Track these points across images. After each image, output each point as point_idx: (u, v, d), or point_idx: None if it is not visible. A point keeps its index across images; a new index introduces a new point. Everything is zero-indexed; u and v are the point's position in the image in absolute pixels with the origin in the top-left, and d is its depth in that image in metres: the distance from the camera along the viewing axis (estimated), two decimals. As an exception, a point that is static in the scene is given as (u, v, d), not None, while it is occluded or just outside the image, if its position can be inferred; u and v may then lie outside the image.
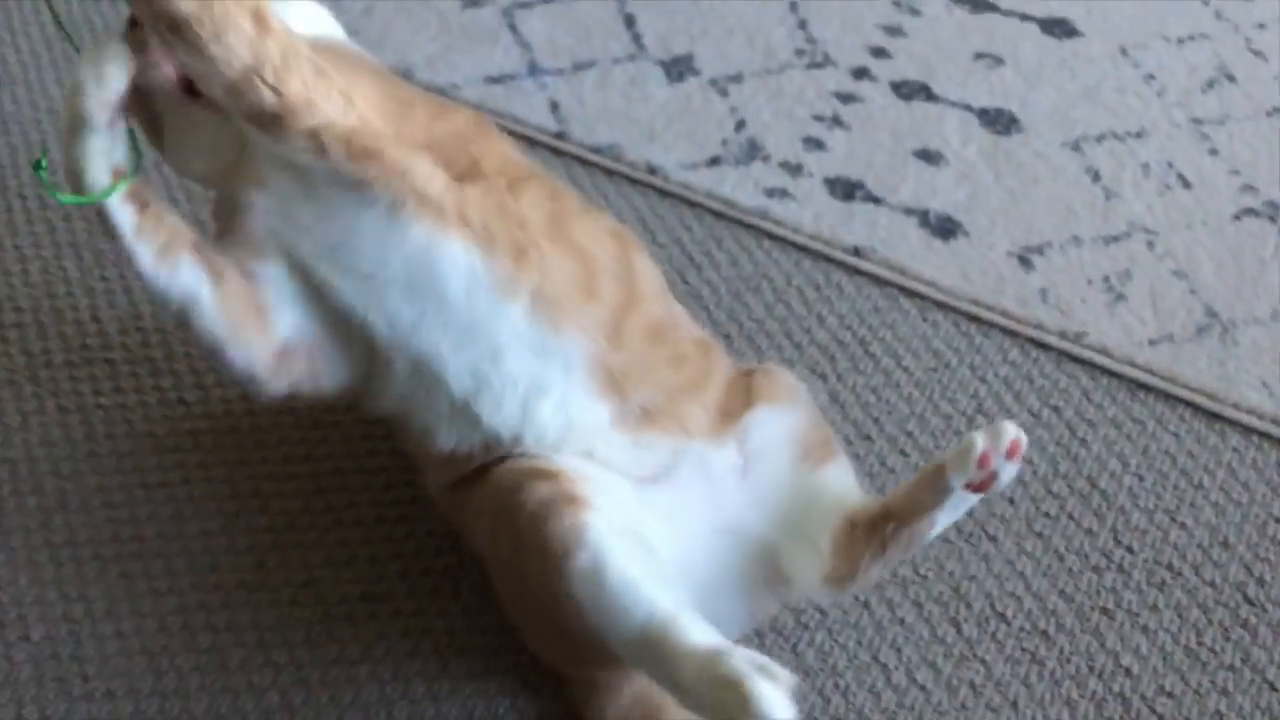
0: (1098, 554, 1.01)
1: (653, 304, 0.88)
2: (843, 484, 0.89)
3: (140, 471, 1.05)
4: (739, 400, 0.89)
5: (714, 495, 0.86)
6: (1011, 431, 0.80)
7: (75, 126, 0.79)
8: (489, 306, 0.80)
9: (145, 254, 0.80)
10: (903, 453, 1.07)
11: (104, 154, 0.80)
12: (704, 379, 0.88)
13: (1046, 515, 1.03)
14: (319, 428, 1.08)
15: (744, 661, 0.68)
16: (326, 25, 0.90)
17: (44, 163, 0.84)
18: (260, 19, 0.77)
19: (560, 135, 1.32)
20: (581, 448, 0.82)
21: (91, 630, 0.95)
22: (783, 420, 0.89)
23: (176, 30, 0.75)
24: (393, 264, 0.80)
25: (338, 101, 0.79)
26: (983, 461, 0.79)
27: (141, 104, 0.85)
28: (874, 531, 0.83)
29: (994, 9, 1.45)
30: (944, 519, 0.84)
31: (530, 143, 1.31)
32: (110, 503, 1.03)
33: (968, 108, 1.35)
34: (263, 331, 0.82)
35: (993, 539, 1.02)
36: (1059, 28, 1.44)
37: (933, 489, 0.82)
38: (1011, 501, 1.04)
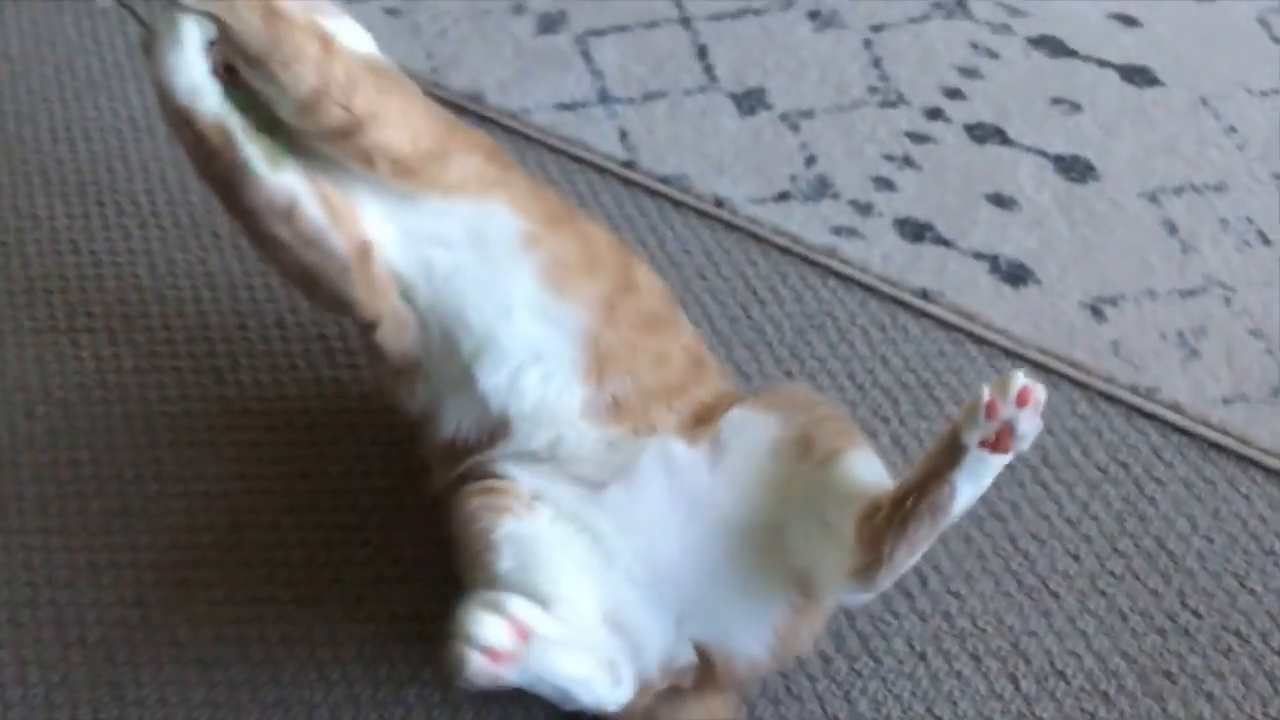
0: (1163, 616, 0.98)
1: (649, 296, 0.93)
2: (861, 475, 0.85)
3: (201, 480, 1.06)
4: (725, 409, 0.90)
5: (680, 489, 0.86)
6: (1020, 379, 0.75)
7: (178, 29, 0.81)
8: (512, 261, 0.88)
9: (257, 156, 0.83)
10: (965, 501, 1.05)
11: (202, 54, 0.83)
12: (683, 386, 0.90)
13: (1111, 574, 1.01)
14: (377, 444, 1.08)
15: (478, 597, 0.75)
16: (366, 46, 0.93)
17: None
18: (326, 42, 0.83)
19: (629, 164, 1.32)
20: (550, 434, 0.87)
21: (147, 636, 0.97)
22: (768, 419, 0.89)
23: (250, 61, 0.81)
24: (433, 230, 0.88)
25: (396, 118, 0.86)
26: (990, 411, 0.75)
27: None
28: (895, 510, 0.79)
29: (1073, 54, 1.44)
30: (965, 487, 0.78)
31: (599, 170, 1.31)
32: (170, 510, 1.04)
33: (1043, 153, 1.33)
34: (353, 221, 0.86)
35: (1055, 595, 1.00)
36: (1139, 76, 1.42)
37: (947, 451, 0.78)
38: (1076, 558, 1.02)
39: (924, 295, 1.19)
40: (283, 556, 1.01)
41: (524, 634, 0.73)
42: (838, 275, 1.22)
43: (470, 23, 1.47)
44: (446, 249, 0.88)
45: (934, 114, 1.37)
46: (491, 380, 0.87)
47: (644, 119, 1.36)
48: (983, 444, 0.76)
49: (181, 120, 0.83)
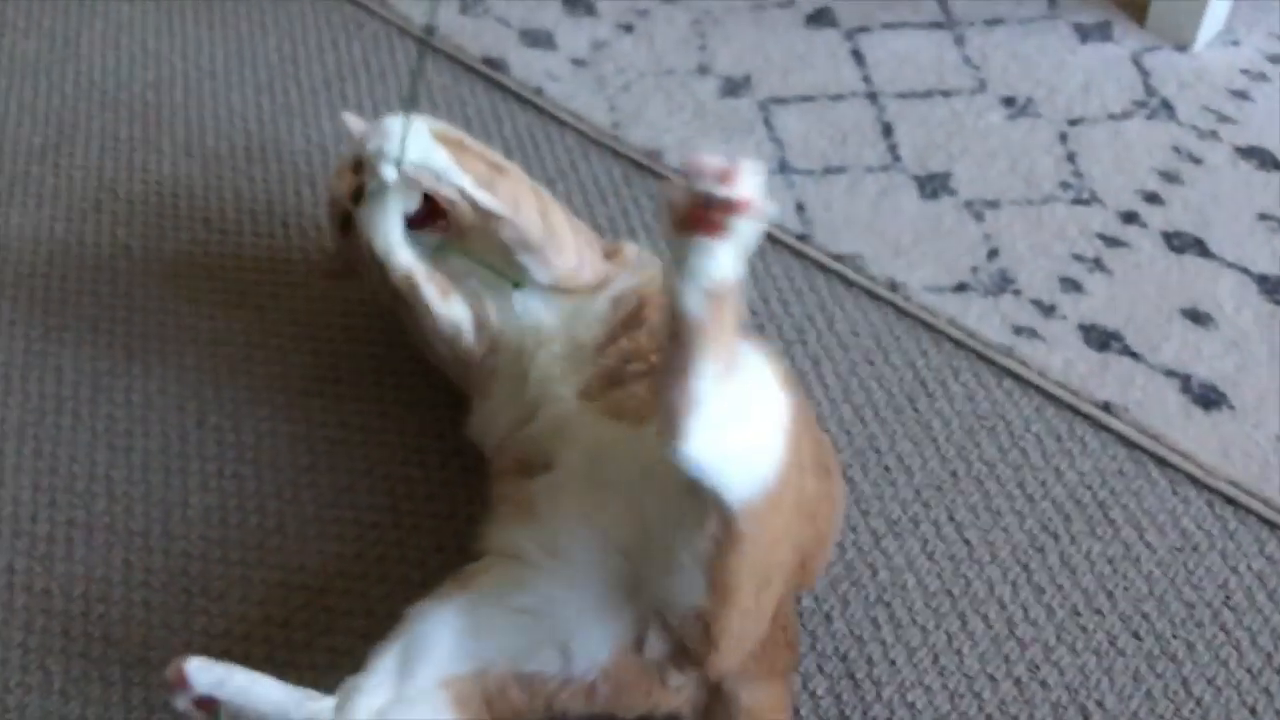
0: (1345, 788, 0.91)
1: None
2: None
3: (355, 508, 1.07)
4: None
5: (597, 464, 0.89)
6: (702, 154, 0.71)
7: (389, 193, 1.02)
8: (596, 316, 1.00)
9: (434, 296, 1.02)
10: (1136, 635, 0.99)
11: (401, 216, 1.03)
12: None
13: (1291, 734, 0.93)
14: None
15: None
16: None
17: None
18: (576, 228, 1.04)
19: (803, 238, 1.30)
20: (554, 410, 0.95)
21: (289, 659, 0.98)
22: None
23: (527, 248, 1.00)
24: (550, 305, 1.03)
25: (600, 263, 1.04)
26: (692, 181, 0.71)
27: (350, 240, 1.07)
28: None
29: (1284, 169, 1.37)
30: (687, 284, 0.71)
31: (771, 240, 1.30)
32: (324, 535, 1.06)
33: (1245, 271, 1.26)
34: (484, 328, 1.03)
35: (1226, 749, 0.93)
36: (1355, 198, 1.34)
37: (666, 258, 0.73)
38: (1253, 712, 0.94)
39: (1106, 408, 1.14)
40: (425, 595, 1.01)
41: (179, 682, 0.84)
42: (1014, 376, 1.17)
43: (654, 80, 1.48)
44: (546, 308, 1.02)
45: (1130, 217, 1.31)
46: (536, 375, 0.99)
47: (822, 193, 1.34)
48: (681, 228, 0.70)
49: (376, 263, 1.01)
